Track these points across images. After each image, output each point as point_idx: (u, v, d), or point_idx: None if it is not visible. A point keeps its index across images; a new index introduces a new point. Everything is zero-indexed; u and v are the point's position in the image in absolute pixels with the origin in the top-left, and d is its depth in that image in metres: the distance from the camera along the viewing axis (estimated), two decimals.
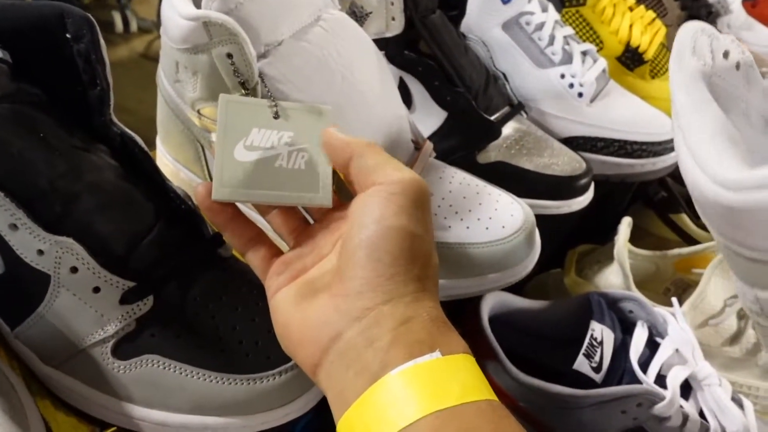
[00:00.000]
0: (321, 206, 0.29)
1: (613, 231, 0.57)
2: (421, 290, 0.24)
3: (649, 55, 0.62)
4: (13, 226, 0.27)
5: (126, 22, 1.06)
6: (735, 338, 0.50)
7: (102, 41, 0.31)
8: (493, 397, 0.22)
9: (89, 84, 0.31)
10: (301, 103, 0.32)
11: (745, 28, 0.81)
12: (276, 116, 0.30)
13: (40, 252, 0.28)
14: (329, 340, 0.24)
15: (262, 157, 0.29)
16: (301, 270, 0.27)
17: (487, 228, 0.39)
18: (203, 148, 0.41)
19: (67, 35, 0.30)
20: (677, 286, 0.56)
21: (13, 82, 0.29)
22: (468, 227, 0.38)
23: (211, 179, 0.42)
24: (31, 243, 0.27)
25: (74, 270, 0.28)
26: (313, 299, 0.25)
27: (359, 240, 0.24)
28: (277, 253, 0.29)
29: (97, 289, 0.28)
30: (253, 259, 0.29)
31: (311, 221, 0.30)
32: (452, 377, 0.22)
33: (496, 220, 0.39)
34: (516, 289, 0.47)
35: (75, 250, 0.28)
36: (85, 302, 0.28)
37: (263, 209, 0.30)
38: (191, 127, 0.40)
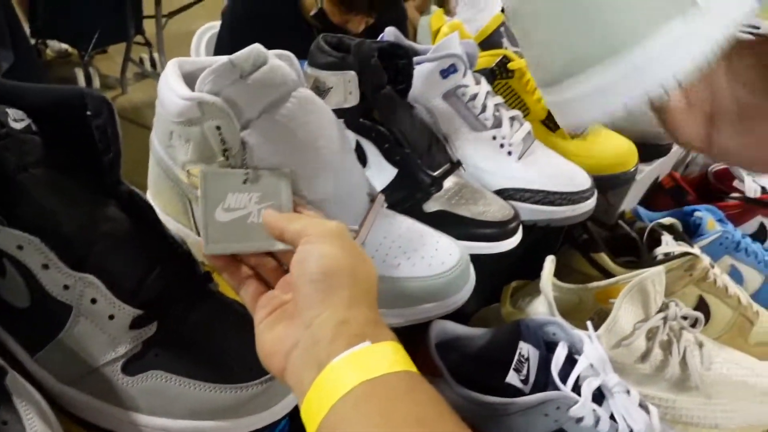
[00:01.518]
0: (283, 251, 0.37)
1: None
2: (354, 296, 0.32)
3: None
4: (45, 266, 0.34)
5: (89, 79, 1.12)
6: (644, 356, 0.58)
7: (117, 116, 0.38)
8: (412, 369, 0.29)
9: (104, 151, 0.38)
10: (267, 168, 0.40)
11: None
12: (245, 181, 0.39)
13: (66, 287, 0.34)
14: (290, 347, 0.31)
15: (237, 216, 0.37)
16: (279, 304, 0.35)
17: (429, 264, 0.47)
18: (190, 203, 0.48)
19: (88, 112, 0.37)
20: (599, 317, 0.65)
21: (43, 150, 0.36)
22: (414, 264, 0.47)
23: (197, 229, 0.49)
24: (59, 279, 0.34)
25: (93, 301, 0.34)
26: (282, 322, 0.33)
27: (298, 272, 0.32)
28: (263, 291, 0.36)
29: (111, 317, 0.35)
30: (245, 295, 0.36)
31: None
32: (380, 357, 0.29)
33: (436, 258, 0.47)
34: (463, 321, 0.55)
35: (95, 285, 0.34)
36: (101, 328, 0.35)
37: (253, 261, 0.38)
38: (180, 184, 0.47)
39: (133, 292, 0.35)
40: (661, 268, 0.60)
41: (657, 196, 0.94)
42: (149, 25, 2.22)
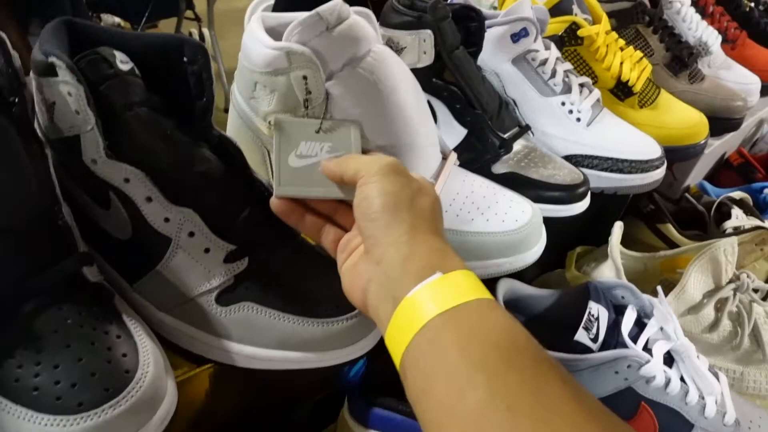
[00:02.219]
0: (351, 198, 0.38)
1: (607, 237, 0.65)
2: (413, 228, 0.32)
3: (637, 88, 0.72)
4: (148, 199, 0.36)
5: None
6: (712, 327, 0.58)
7: (211, 64, 0.40)
8: (486, 296, 0.29)
9: (197, 96, 0.40)
10: (339, 120, 0.41)
11: (724, 68, 0.91)
12: (318, 131, 0.40)
13: (167, 219, 0.36)
14: (366, 283, 0.32)
15: (308, 163, 0.39)
16: (355, 246, 0.36)
17: (503, 221, 0.47)
18: (269, 153, 0.50)
19: (185, 59, 0.39)
20: (663, 287, 0.64)
21: (144, 92, 0.38)
22: (488, 220, 0.47)
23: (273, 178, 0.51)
24: (160, 212, 0.36)
25: (191, 234, 0.36)
26: (357, 264, 0.34)
27: (359, 212, 0.33)
28: (342, 235, 0.38)
29: (207, 250, 0.36)
30: (326, 242, 0.38)
31: None
32: (452, 287, 0.29)
33: (510, 215, 0.48)
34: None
35: (193, 219, 0.36)
36: (197, 261, 0.37)
37: (326, 209, 0.39)
38: (260, 135, 0.49)
39: (226, 229, 0.37)
40: (734, 238, 0.59)
41: (723, 173, 0.91)
42: (199, 2, 2.26)
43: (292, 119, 0.41)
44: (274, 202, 0.38)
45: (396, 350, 0.29)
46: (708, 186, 0.82)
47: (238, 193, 0.39)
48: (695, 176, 0.86)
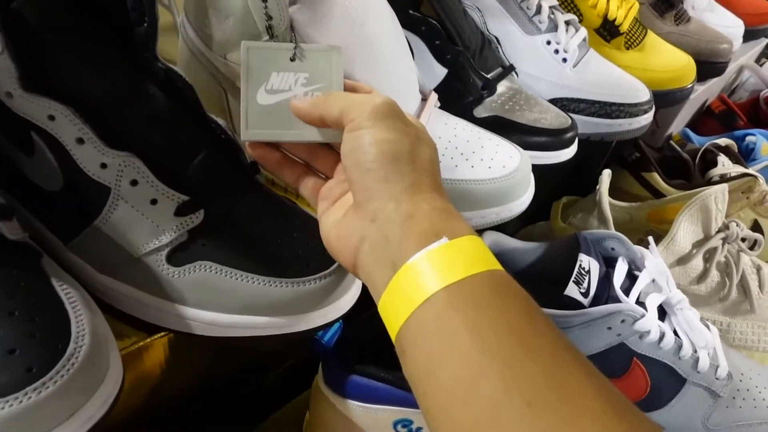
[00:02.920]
0: (333, 141, 0.32)
1: (591, 187, 0.62)
2: (416, 183, 0.28)
3: (624, 27, 0.67)
4: (80, 140, 0.30)
5: None
6: (701, 278, 0.55)
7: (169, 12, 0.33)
8: (496, 267, 0.26)
9: (137, 21, 0.33)
10: (317, 45, 0.35)
11: (708, 10, 0.87)
12: (293, 59, 0.33)
13: (103, 165, 0.30)
14: (358, 242, 0.28)
15: (281, 99, 0.32)
16: (339, 195, 0.31)
17: (489, 167, 0.43)
18: (227, 95, 0.44)
19: None
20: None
21: (71, 12, 0.32)
22: (472, 166, 0.43)
23: (233, 124, 0.45)
24: (96, 156, 0.30)
25: (134, 183, 0.31)
26: (345, 216, 0.30)
27: (350, 161, 0.28)
28: (323, 183, 0.33)
29: (154, 201, 0.31)
30: (304, 191, 0.33)
31: None
32: (457, 257, 0.25)
33: (497, 160, 0.43)
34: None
35: (136, 164, 0.30)
36: (143, 214, 0.31)
37: (302, 153, 0.34)
38: (216, 74, 0.43)
39: (176, 176, 0.32)
40: (724, 185, 0.56)
41: (704, 121, 0.89)
42: None
43: (261, 45, 0.34)
44: (249, 146, 0.33)
45: (392, 322, 0.26)
46: (691, 134, 0.79)
47: (189, 135, 0.33)
48: (677, 124, 0.83)
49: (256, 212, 0.33)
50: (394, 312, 0.26)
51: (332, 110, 0.30)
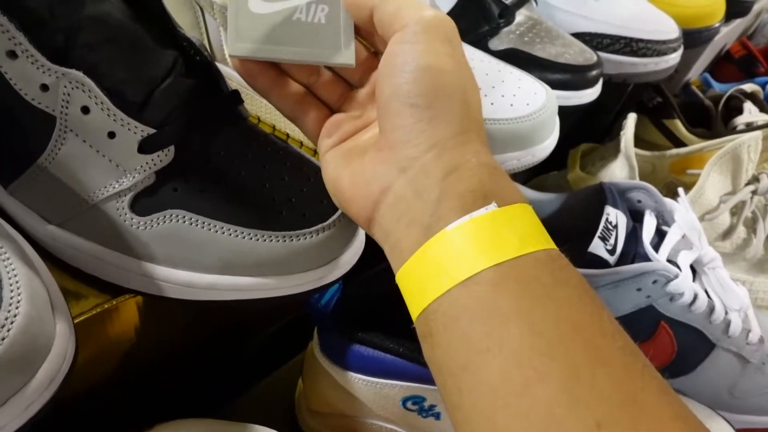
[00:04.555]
0: (344, 65, 0.26)
1: (602, 134, 0.56)
2: (465, 131, 0.23)
3: None
4: (12, 54, 0.23)
5: None
6: (727, 234, 0.51)
7: None
8: (552, 246, 0.21)
9: None
10: None
11: None
12: None
13: (45, 87, 0.24)
14: (379, 193, 0.23)
15: (279, 9, 0.26)
16: (351, 131, 0.26)
17: (511, 105, 0.37)
18: (203, 11, 0.37)
19: None
20: (669, 190, 0.57)
21: None
22: (492, 103, 0.37)
23: (211, 46, 0.38)
24: (34, 75, 0.24)
25: (86, 110, 0.24)
26: (361, 157, 0.24)
27: (390, 89, 0.23)
28: (327, 115, 0.27)
29: (112, 134, 0.25)
30: (304, 122, 0.27)
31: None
32: (509, 229, 0.21)
33: (519, 97, 0.37)
34: None
35: (86, 86, 0.24)
36: (98, 150, 0.25)
37: (303, 76, 0.27)
38: None
39: (139, 104, 0.25)
40: (758, 133, 0.51)
41: (723, 66, 0.83)
42: None
43: None
44: (237, 61, 0.26)
45: (417, 296, 0.21)
46: (711, 80, 0.73)
47: (153, 54, 0.26)
48: (696, 69, 0.77)
49: (239, 150, 0.27)
50: (421, 285, 0.21)
51: (387, 4, 0.24)
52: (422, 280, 0.21)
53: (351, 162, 0.24)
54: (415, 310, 0.21)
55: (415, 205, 0.22)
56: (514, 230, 0.20)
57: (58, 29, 0.24)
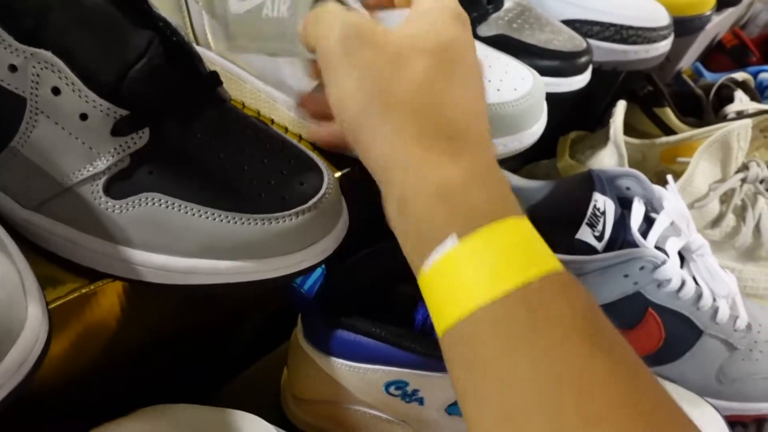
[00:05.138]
0: (302, 58, 0.27)
1: (593, 123, 0.56)
2: (399, 129, 0.22)
3: None
4: None
5: None
6: (716, 222, 0.51)
7: None
8: (532, 272, 0.19)
9: None
10: None
11: None
12: None
13: (13, 68, 0.23)
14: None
15: (250, 7, 0.27)
16: None
17: (498, 89, 0.37)
18: None
19: None
20: (659, 178, 0.57)
21: None
22: None
23: (193, 30, 0.37)
24: (2, 56, 0.23)
25: (56, 91, 0.24)
26: None
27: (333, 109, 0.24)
28: None
29: (84, 117, 0.24)
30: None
31: None
32: (477, 267, 0.19)
33: (507, 82, 0.37)
34: None
35: (56, 66, 0.24)
36: (70, 132, 0.25)
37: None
38: None
39: (112, 85, 0.25)
40: (748, 121, 0.51)
41: (715, 56, 0.83)
42: None
43: None
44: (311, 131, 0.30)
45: (438, 318, 0.21)
46: (703, 69, 0.73)
47: (127, 34, 0.26)
48: (688, 58, 0.77)
49: (217, 132, 0.27)
50: (441, 308, 0.20)
51: (309, 35, 0.25)
52: (439, 304, 0.20)
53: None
54: (439, 329, 0.21)
55: (404, 239, 0.22)
56: (478, 268, 0.19)
57: (28, 9, 0.24)
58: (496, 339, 0.18)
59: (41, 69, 0.24)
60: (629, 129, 0.61)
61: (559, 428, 0.17)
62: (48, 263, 0.27)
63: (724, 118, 0.61)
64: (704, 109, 0.64)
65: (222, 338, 0.43)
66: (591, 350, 0.18)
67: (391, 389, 0.29)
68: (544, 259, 0.20)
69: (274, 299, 0.43)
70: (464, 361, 0.19)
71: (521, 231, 0.20)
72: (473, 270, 0.19)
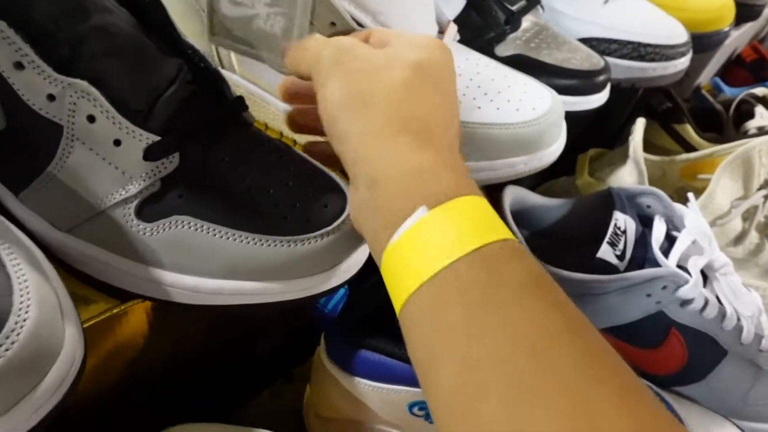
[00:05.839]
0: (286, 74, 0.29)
1: (612, 140, 0.56)
2: (372, 131, 0.23)
3: None
4: (19, 65, 0.24)
5: None
6: (738, 239, 0.51)
7: None
8: (494, 237, 0.21)
9: None
10: None
11: None
12: None
13: (51, 97, 0.25)
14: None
15: (243, 14, 0.29)
16: None
17: (517, 109, 0.37)
18: None
19: None
20: (679, 195, 0.56)
21: None
22: (498, 108, 0.37)
23: (218, 54, 0.39)
24: (41, 86, 0.24)
25: (91, 119, 0.25)
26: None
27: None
28: None
29: (117, 142, 0.25)
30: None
31: None
32: (440, 234, 0.21)
33: (526, 102, 0.37)
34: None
35: (92, 95, 0.25)
36: (104, 158, 0.26)
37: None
38: None
39: (143, 112, 0.26)
40: None
41: (734, 71, 0.82)
42: None
43: None
44: (288, 115, 0.31)
45: (395, 295, 0.22)
46: (722, 84, 0.73)
47: (159, 61, 0.27)
48: (707, 74, 0.77)
49: (243, 156, 0.28)
50: (391, 292, 0.22)
51: (300, 66, 0.27)
52: (395, 278, 0.22)
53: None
54: (396, 308, 0.22)
55: (371, 219, 0.23)
56: (445, 234, 0.20)
57: (64, 40, 0.25)
58: (459, 297, 0.19)
59: (78, 98, 0.25)
60: (648, 145, 0.61)
61: (518, 381, 0.17)
62: (81, 284, 0.28)
63: (745, 134, 0.60)
64: (724, 124, 0.64)
65: (245, 355, 0.43)
66: (545, 306, 0.19)
67: (415, 410, 0.30)
68: (502, 229, 0.21)
69: (297, 316, 0.43)
70: (428, 326, 0.20)
71: (483, 206, 0.22)
72: (440, 235, 0.20)
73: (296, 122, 0.32)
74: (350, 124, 0.24)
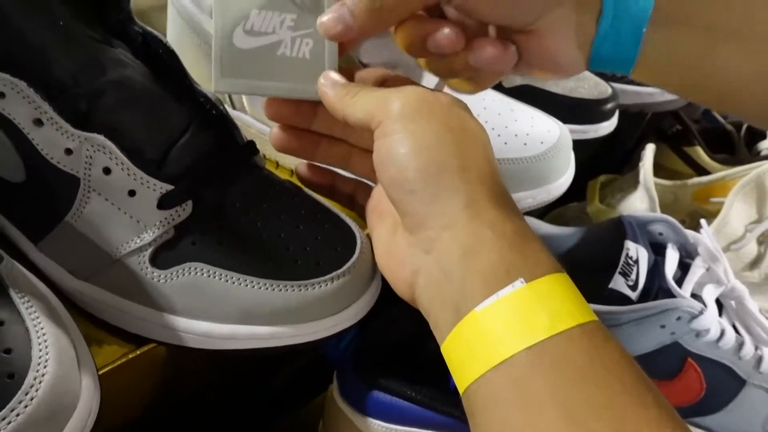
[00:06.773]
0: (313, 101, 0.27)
1: (621, 164, 0.56)
2: (473, 201, 0.23)
3: None
4: (38, 122, 0.25)
5: None
6: (754, 263, 0.50)
7: None
8: (590, 317, 0.21)
9: None
10: None
11: None
12: None
13: (69, 151, 0.25)
14: (412, 275, 0.24)
15: (264, 43, 0.27)
16: (387, 207, 0.26)
17: (524, 144, 0.37)
18: None
19: None
20: (692, 218, 0.56)
21: None
22: (506, 143, 0.37)
23: (230, 96, 0.39)
24: (59, 141, 0.25)
25: (107, 171, 0.26)
26: (395, 236, 0.25)
27: (386, 182, 0.24)
28: (357, 186, 0.30)
29: (132, 193, 0.26)
30: (357, 208, 0.30)
31: None
32: (539, 306, 0.20)
33: (533, 135, 0.38)
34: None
35: (107, 149, 0.25)
36: (119, 207, 0.26)
37: (339, 160, 0.30)
38: (208, 39, 0.37)
39: (157, 162, 0.26)
40: None
41: None
42: None
43: None
44: (273, 134, 0.29)
45: (459, 375, 0.22)
46: None
47: (171, 111, 0.28)
48: None
49: (254, 201, 0.28)
50: (460, 367, 0.21)
51: (356, 110, 0.25)
52: (460, 362, 0.21)
53: (389, 241, 0.25)
54: (459, 388, 0.21)
55: (444, 286, 0.22)
56: (544, 307, 0.20)
57: (81, 95, 0.26)
58: (555, 373, 0.19)
59: (94, 151, 0.25)
60: (659, 168, 0.61)
61: None
62: (97, 329, 0.29)
63: (757, 155, 0.60)
64: (736, 145, 0.64)
65: (257, 391, 0.43)
66: (648, 397, 0.19)
67: None
68: (590, 310, 0.21)
69: (308, 352, 0.44)
70: (513, 400, 0.20)
71: (573, 285, 0.22)
72: (536, 309, 0.20)
73: (283, 144, 0.29)
74: (435, 192, 0.23)
